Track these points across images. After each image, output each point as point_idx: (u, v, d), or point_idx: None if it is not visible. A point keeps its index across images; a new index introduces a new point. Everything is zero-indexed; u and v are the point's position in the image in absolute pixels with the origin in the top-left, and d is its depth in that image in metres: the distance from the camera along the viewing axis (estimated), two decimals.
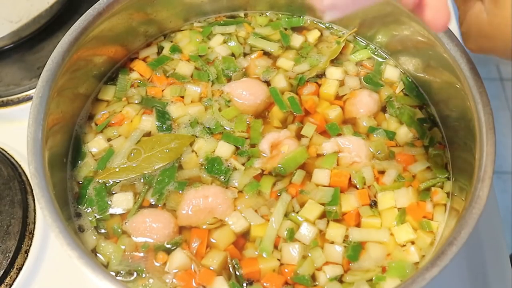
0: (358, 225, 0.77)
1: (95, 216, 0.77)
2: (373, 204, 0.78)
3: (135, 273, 0.73)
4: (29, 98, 1.00)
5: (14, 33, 1.05)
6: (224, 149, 0.82)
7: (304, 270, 0.72)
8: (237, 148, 0.83)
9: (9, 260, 0.81)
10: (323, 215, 0.77)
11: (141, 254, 0.74)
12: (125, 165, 0.81)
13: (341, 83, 0.91)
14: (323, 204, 0.77)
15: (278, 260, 0.73)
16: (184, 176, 0.80)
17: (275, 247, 0.74)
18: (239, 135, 0.84)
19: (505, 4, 0.52)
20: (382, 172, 0.81)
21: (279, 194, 0.78)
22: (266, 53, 0.95)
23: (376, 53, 0.95)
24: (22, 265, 0.82)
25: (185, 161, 0.82)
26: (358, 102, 0.87)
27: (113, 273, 0.72)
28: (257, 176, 0.80)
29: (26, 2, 1.06)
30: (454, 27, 1.10)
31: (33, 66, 1.05)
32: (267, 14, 1.01)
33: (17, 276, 0.81)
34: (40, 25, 1.08)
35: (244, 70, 0.93)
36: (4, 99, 1.00)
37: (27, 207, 0.86)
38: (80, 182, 0.81)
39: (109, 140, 0.85)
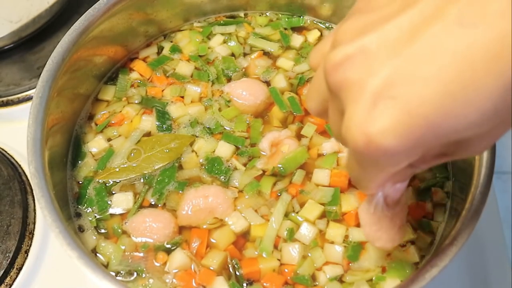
0: (358, 225, 0.76)
1: (95, 216, 0.77)
2: None
3: (135, 273, 0.73)
4: (29, 98, 0.99)
5: (14, 33, 1.04)
6: (224, 149, 0.82)
7: (304, 270, 0.72)
8: (237, 148, 0.83)
9: (9, 260, 0.80)
10: (323, 215, 0.77)
11: (141, 254, 0.74)
12: (125, 165, 0.81)
13: None
14: (323, 204, 0.77)
15: (278, 260, 0.73)
16: (184, 176, 0.80)
17: (275, 247, 0.74)
18: (239, 135, 0.84)
19: None
20: None
21: (279, 194, 0.78)
22: (266, 53, 0.95)
23: None
24: (22, 265, 0.82)
25: (185, 161, 0.82)
26: None
27: (113, 273, 0.72)
28: (257, 176, 0.80)
29: (26, 2, 1.06)
30: None
31: (33, 66, 1.04)
32: (267, 14, 1.01)
33: (17, 276, 0.81)
34: (40, 25, 1.07)
35: (244, 70, 0.92)
36: (4, 99, 1.00)
37: (27, 207, 0.86)
38: (80, 182, 0.81)
39: (109, 140, 0.85)
